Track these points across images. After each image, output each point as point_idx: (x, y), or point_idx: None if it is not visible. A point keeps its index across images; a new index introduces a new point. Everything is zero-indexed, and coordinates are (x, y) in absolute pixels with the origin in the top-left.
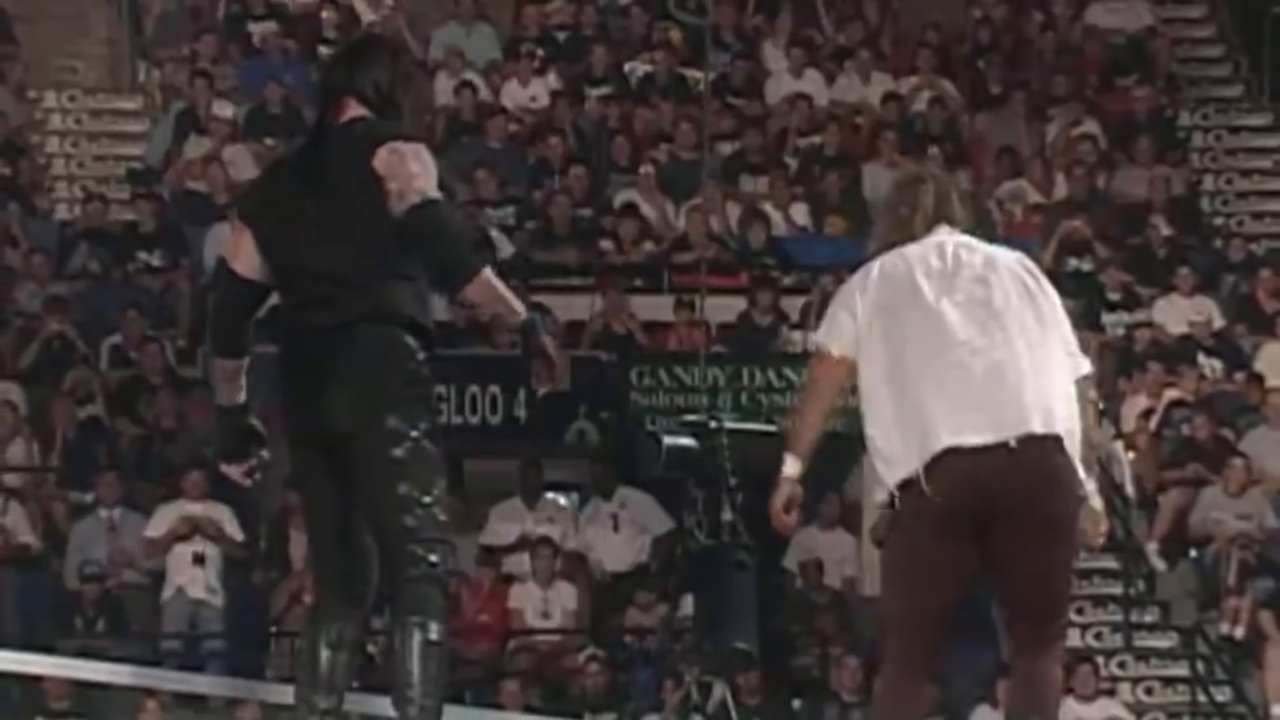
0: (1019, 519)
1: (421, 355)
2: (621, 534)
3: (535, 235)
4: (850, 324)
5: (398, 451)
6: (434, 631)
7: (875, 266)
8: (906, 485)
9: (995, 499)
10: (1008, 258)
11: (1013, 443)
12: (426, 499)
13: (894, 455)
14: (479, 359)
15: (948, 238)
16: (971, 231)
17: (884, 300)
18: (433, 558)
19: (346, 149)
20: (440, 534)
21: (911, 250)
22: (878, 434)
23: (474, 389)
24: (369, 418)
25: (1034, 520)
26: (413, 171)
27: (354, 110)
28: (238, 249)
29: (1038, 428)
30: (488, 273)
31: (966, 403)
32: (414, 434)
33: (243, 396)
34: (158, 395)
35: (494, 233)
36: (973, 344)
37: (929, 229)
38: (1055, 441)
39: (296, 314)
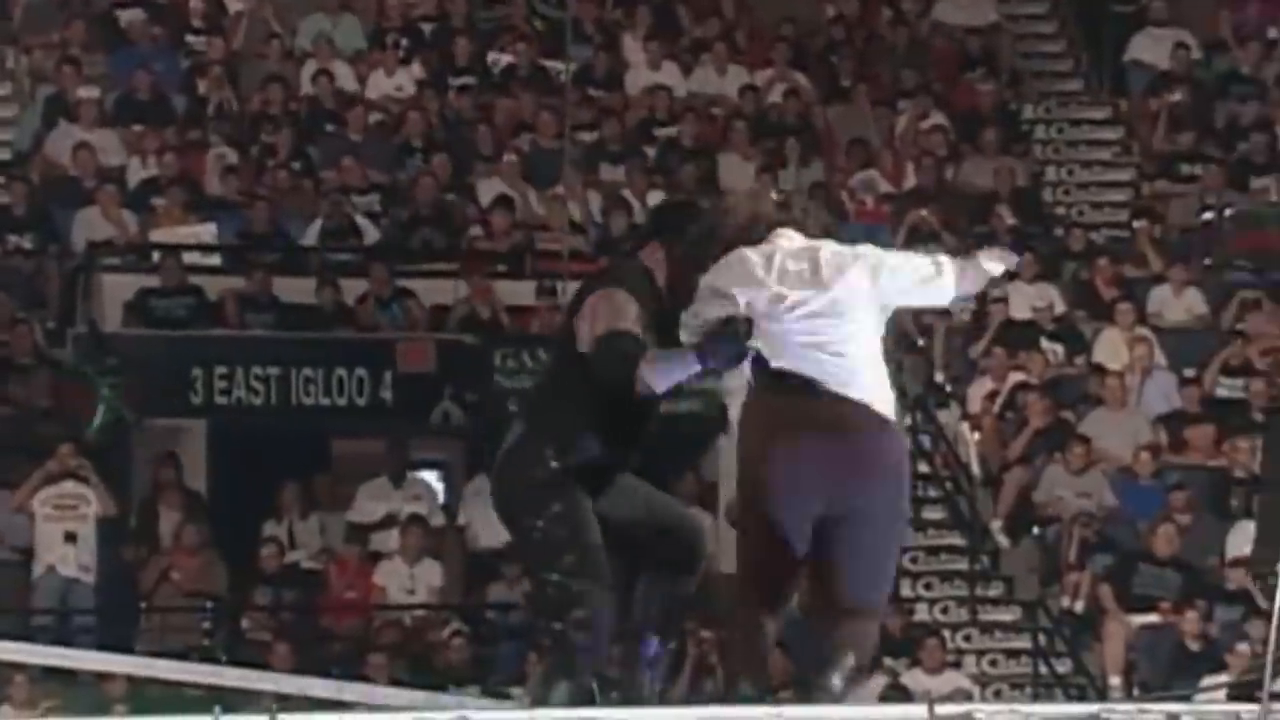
0: None
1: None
2: None
3: (400, 221)
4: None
5: None
6: None
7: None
8: None
9: None
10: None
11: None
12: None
13: None
14: (346, 342)
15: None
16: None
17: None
18: None
19: None
20: None
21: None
22: None
23: (341, 371)
24: None
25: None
26: None
27: None
28: None
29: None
30: None
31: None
32: None
33: None
34: (28, 375)
35: (359, 219)
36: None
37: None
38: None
39: None
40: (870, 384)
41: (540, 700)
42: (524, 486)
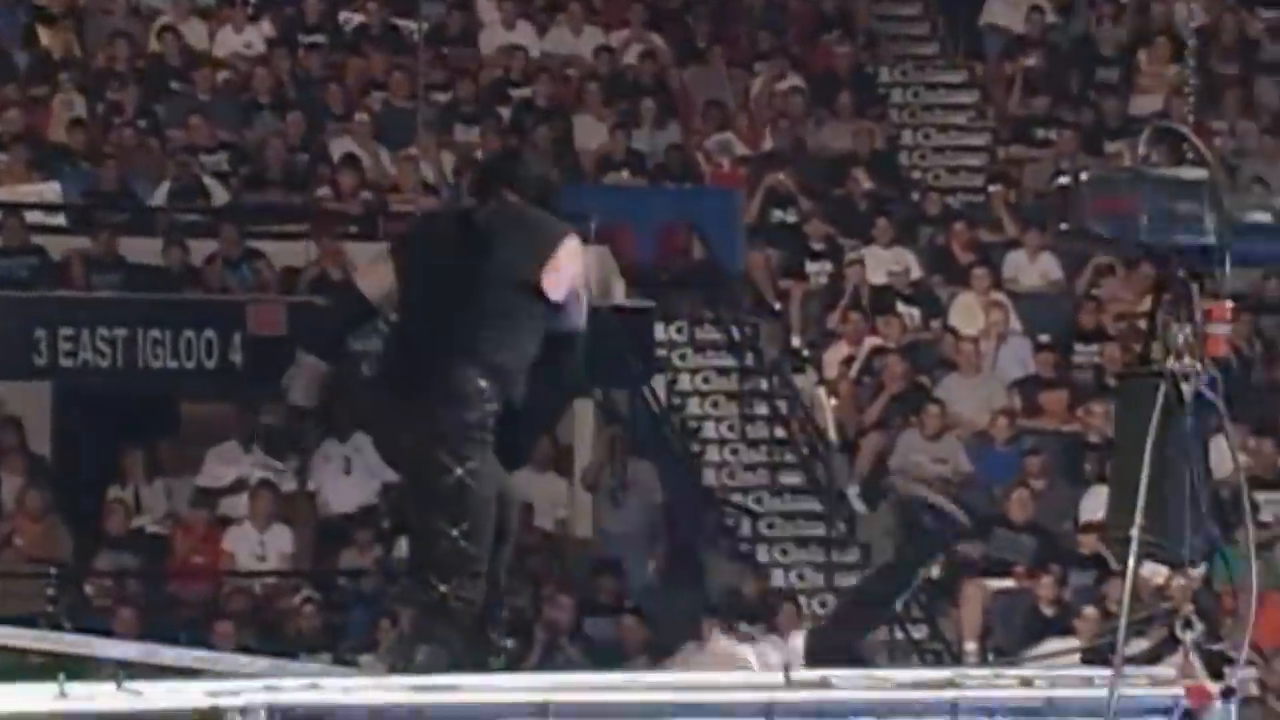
0: None
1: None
2: (353, 476)
3: (249, 181)
4: None
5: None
6: None
7: None
8: None
9: None
10: None
11: None
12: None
13: None
14: (194, 304)
15: None
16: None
17: None
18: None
19: None
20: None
21: None
22: None
23: (189, 334)
24: None
25: None
26: None
27: None
28: None
29: None
30: None
31: None
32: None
33: None
34: None
35: (208, 179)
36: None
37: None
38: None
39: None
40: None
41: (405, 663)
42: (457, 429)
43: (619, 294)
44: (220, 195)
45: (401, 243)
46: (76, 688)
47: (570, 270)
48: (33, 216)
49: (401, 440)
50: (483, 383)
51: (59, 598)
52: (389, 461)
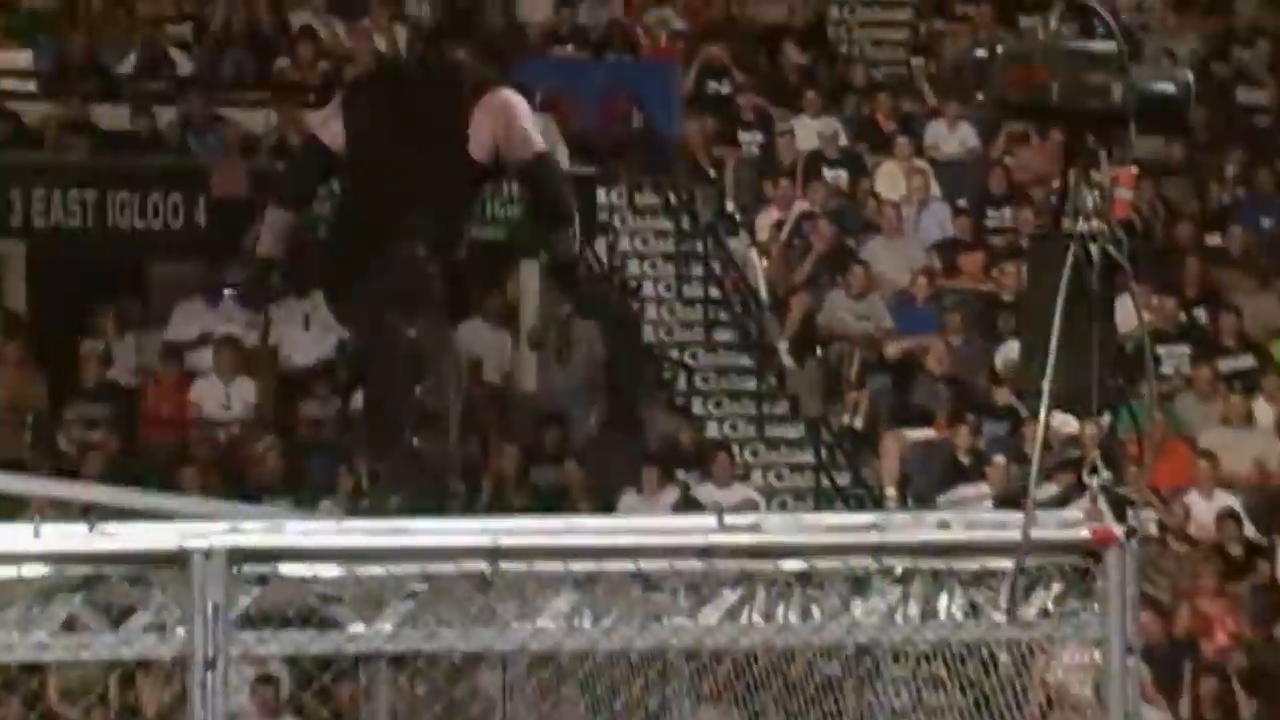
0: None
1: None
2: (312, 331)
3: (213, 51)
4: None
5: None
6: None
7: None
8: None
9: None
10: None
11: None
12: None
13: None
14: (160, 168)
15: None
16: None
17: None
18: None
19: None
20: None
21: None
22: None
23: (156, 196)
24: None
25: None
26: None
27: None
28: None
29: None
30: None
31: None
32: None
33: None
34: None
35: (172, 50)
36: None
37: None
38: None
39: None
40: None
41: (380, 507)
42: (403, 292)
43: (563, 161)
44: (184, 65)
45: (351, 95)
46: (50, 529)
47: (508, 120)
48: (6, 84)
49: (354, 300)
50: (423, 250)
51: (34, 445)
52: (342, 320)
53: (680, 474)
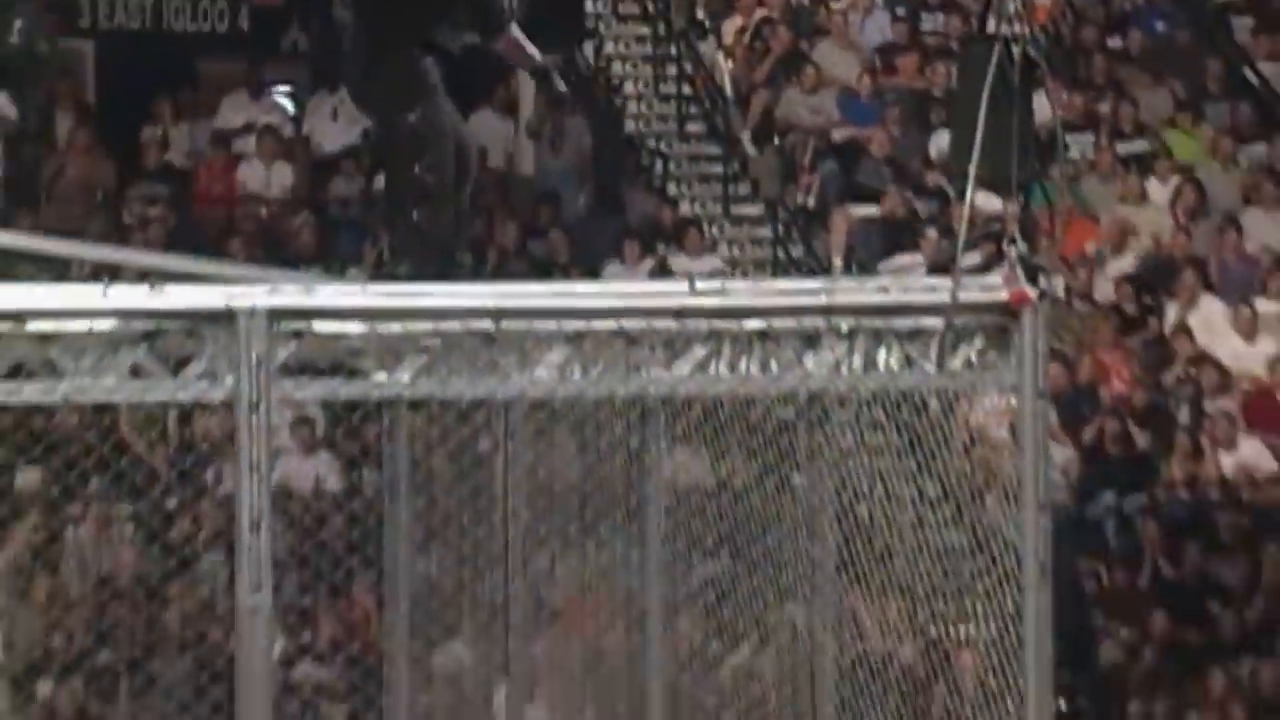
0: None
1: None
2: (339, 122)
3: None
4: None
5: None
6: None
7: None
8: None
9: None
10: None
11: None
12: None
13: None
14: None
15: None
16: None
17: None
18: None
19: None
20: None
21: None
22: None
23: (205, 1)
24: None
25: None
26: None
27: None
28: None
29: None
30: None
31: None
32: None
33: None
34: None
35: None
36: None
37: None
38: None
39: None
40: None
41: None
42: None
43: None
44: None
45: None
46: (116, 289)
47: None
48: None
49: (374, 94)
50: (430, 59)
51: (102, 220)
52: (364, 111)
53: (658, 247)
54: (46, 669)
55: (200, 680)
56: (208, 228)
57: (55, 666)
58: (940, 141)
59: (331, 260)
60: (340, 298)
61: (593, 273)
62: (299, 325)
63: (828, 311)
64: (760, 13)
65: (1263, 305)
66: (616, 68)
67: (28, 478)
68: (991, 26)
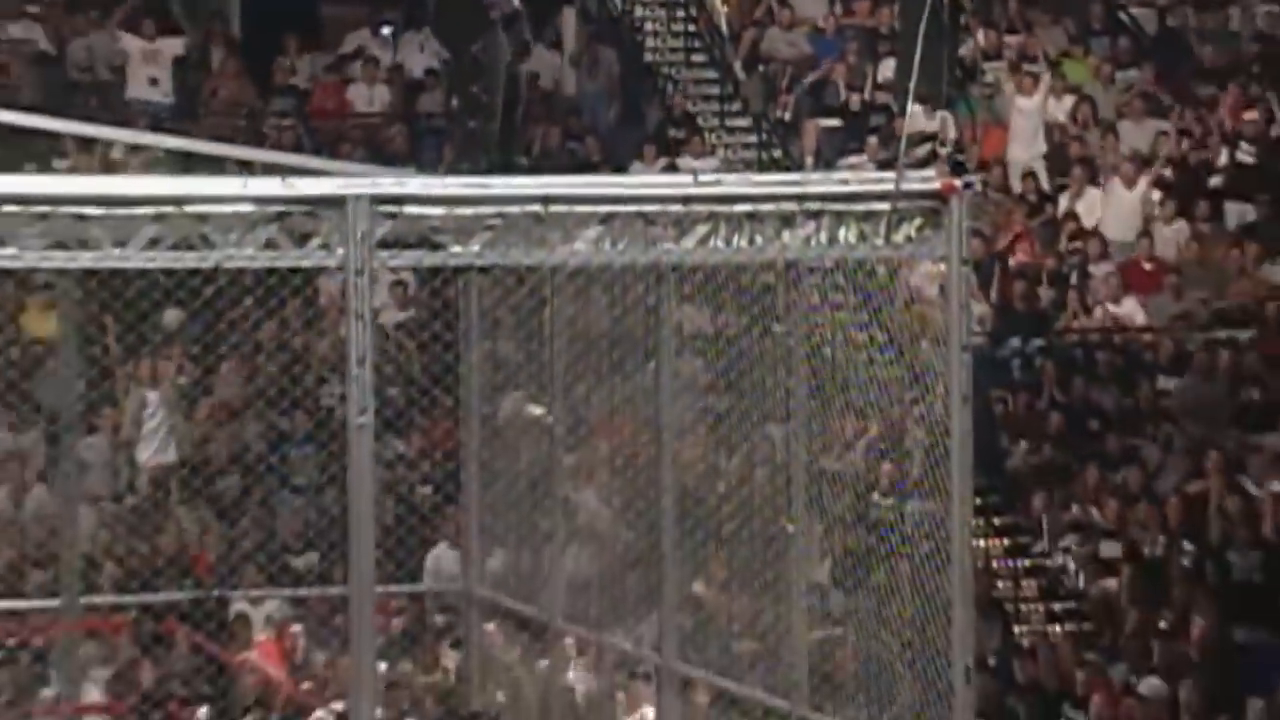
0: None
1: None
2: (425, 52)
3: None
4: None
5: None
6: None
7: None
8: None
9: None
10: None
11: None
12: None
13: None
14: None
15: None
16: None
17: None
18: None
19: None
20: None
21: None
22: None
23: None
24: None
25: None
26: None
27: None
28: None
29: None
30: None
31: None
32: None
33: None
34: None
35: None
36: None
37: None
38: None
39: None
40: None
41: (466, 170)
42: (478, 26)
43: None
44: None
45: None
46: (254, 180)
47: None
48: None
49: (447, 30)
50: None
51: (247, 129)
52: (441, 44)
53: (670, 150)
54: (208, 468)
55: (321, 479)
56: (324, 135)
57: (216, 466)
58: (886, 69)
59: (420, 161)
60: (425, 187)
61: (620, 169)
62: (394, 209)
63: (800, 199)
64: None
65: (1132, 193)
66: (639, 11)
67: (170, 316)
68: None
